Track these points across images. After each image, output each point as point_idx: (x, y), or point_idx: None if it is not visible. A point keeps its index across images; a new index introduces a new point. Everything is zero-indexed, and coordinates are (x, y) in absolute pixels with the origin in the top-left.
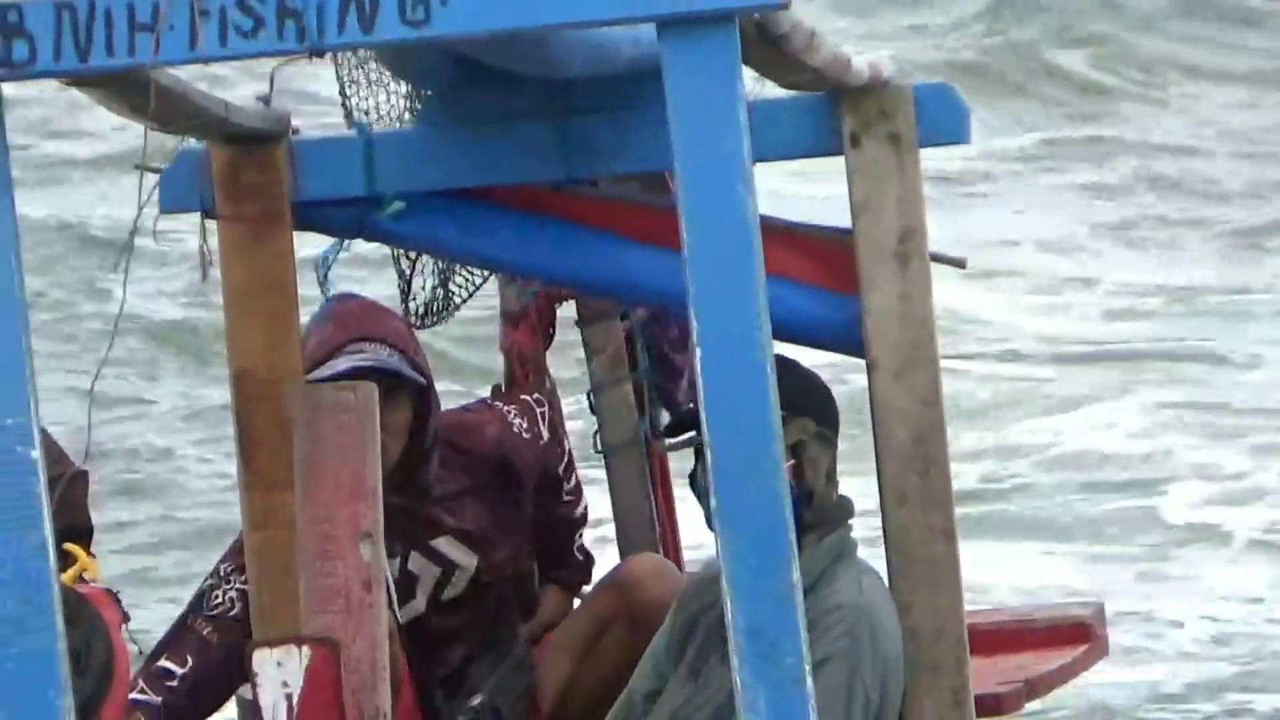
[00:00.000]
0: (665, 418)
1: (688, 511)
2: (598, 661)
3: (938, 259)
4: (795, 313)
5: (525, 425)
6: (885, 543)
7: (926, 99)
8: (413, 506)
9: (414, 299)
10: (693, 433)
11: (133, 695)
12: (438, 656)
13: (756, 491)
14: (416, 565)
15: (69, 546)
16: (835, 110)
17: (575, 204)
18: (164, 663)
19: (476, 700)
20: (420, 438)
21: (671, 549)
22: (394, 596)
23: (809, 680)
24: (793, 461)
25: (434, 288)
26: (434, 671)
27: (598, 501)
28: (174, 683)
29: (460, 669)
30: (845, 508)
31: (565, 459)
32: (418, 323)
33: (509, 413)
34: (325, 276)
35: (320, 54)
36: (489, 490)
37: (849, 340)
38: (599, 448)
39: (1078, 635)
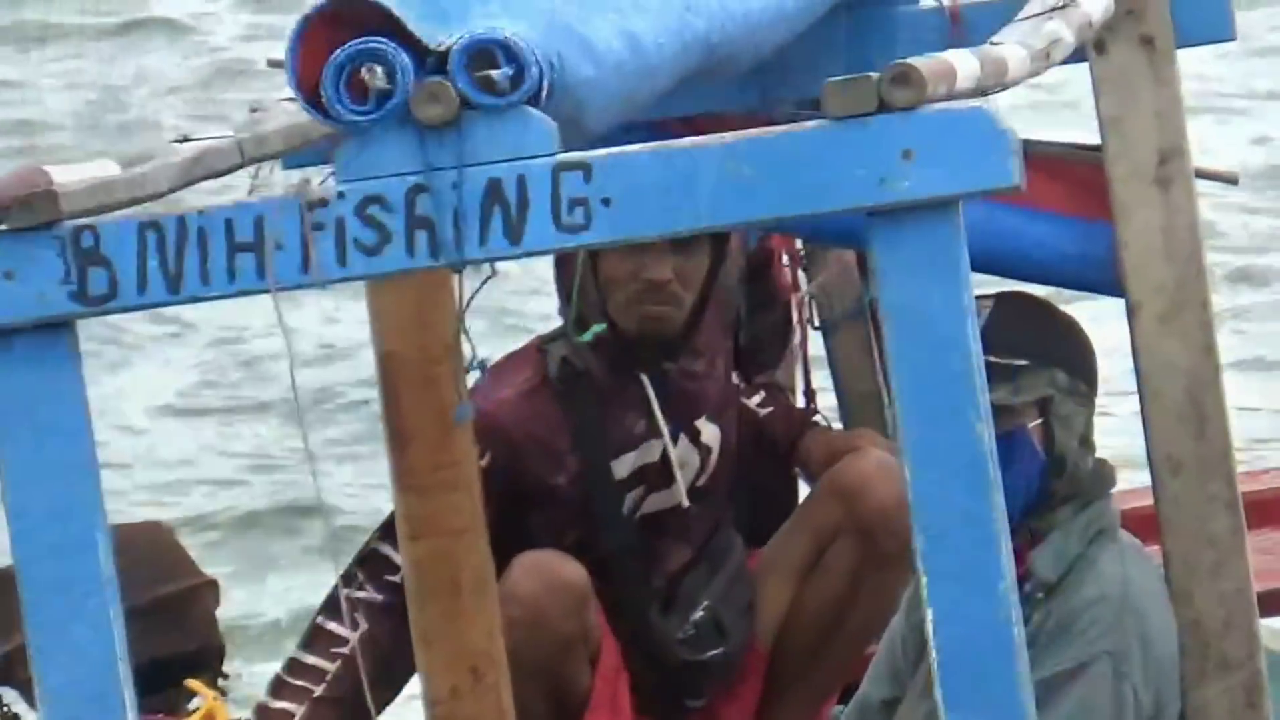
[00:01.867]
0: None
1: None
2: (822, 583)
3: (1204, 175)
4: (1040, 245)
5: None
6: (1159, 520)
7: None
8: (687, 371)
9: None
10: None
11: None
12: (658, 564)
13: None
14: (682, 451)
15: (193, 684)
16: None
17: None
18: (328, 624)
19: (699, 613)
20: (708, 292)
21: None
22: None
23: None
24: (1040, 421)
25: None
26: (650, 582)
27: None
28: (343, 648)
29: (676, 578)
30: (1105, 475)
31: None
32: None
33: None
34: None
35: (460, 270)
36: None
37: (1104, 277)
38: (816, 322)
39: None
